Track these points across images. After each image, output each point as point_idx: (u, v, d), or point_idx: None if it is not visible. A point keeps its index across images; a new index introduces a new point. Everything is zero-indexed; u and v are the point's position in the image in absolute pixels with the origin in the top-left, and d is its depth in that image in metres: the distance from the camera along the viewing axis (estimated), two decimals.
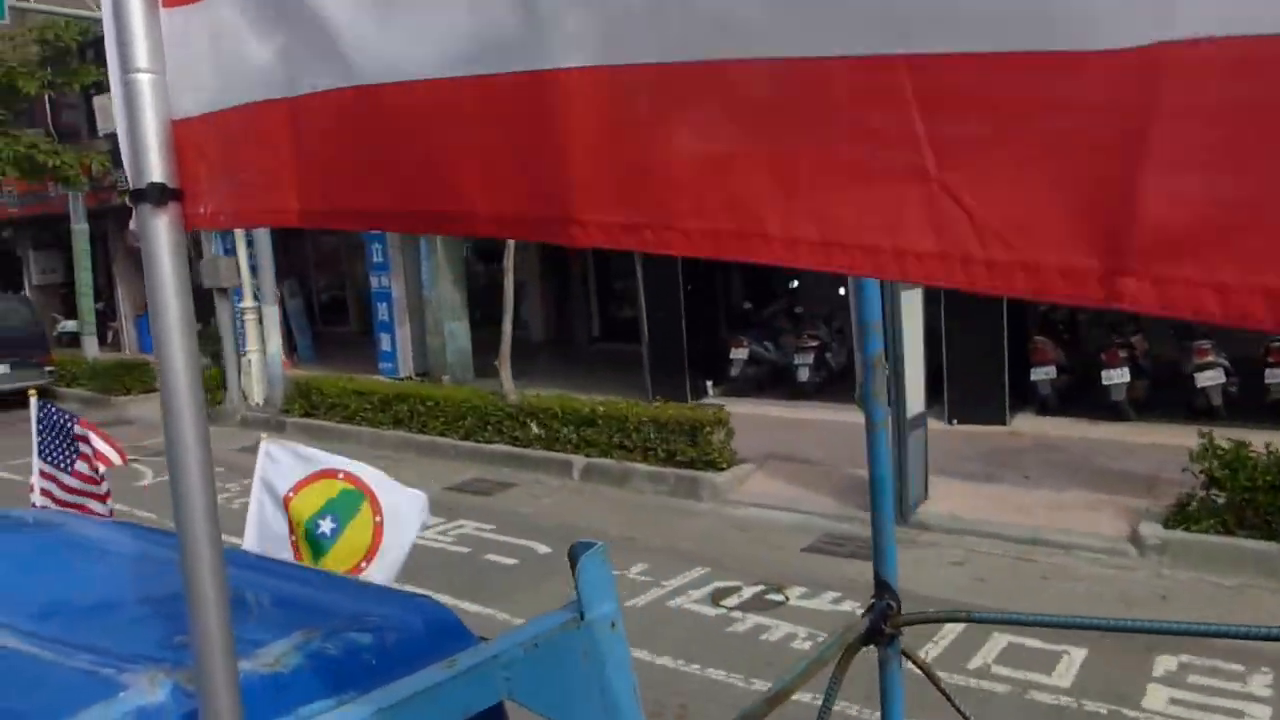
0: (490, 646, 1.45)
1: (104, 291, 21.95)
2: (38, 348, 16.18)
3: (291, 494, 3.54)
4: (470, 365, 14.29)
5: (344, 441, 11.33)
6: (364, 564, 3.42)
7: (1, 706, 1.26)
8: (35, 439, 4.68)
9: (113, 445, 4.76)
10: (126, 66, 1.14)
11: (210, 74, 1.18)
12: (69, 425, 4.72)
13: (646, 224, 0.96)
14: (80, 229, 17.17)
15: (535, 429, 9.95)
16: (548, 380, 12.46)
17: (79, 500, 4.67)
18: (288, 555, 3.50)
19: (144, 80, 1.14)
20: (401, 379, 14.32)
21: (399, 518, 3.47)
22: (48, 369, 16.13)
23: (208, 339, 17.80)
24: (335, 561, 3.42)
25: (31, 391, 5.27)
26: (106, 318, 21.51)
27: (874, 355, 2.04)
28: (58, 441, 4.72)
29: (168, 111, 1.16)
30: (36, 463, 4.68)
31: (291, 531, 3.54)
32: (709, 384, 12.16)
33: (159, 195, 1.13)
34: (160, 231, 1.12)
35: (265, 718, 1.27)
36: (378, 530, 3.43)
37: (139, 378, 15.63)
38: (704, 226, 0.92)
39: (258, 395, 13.45)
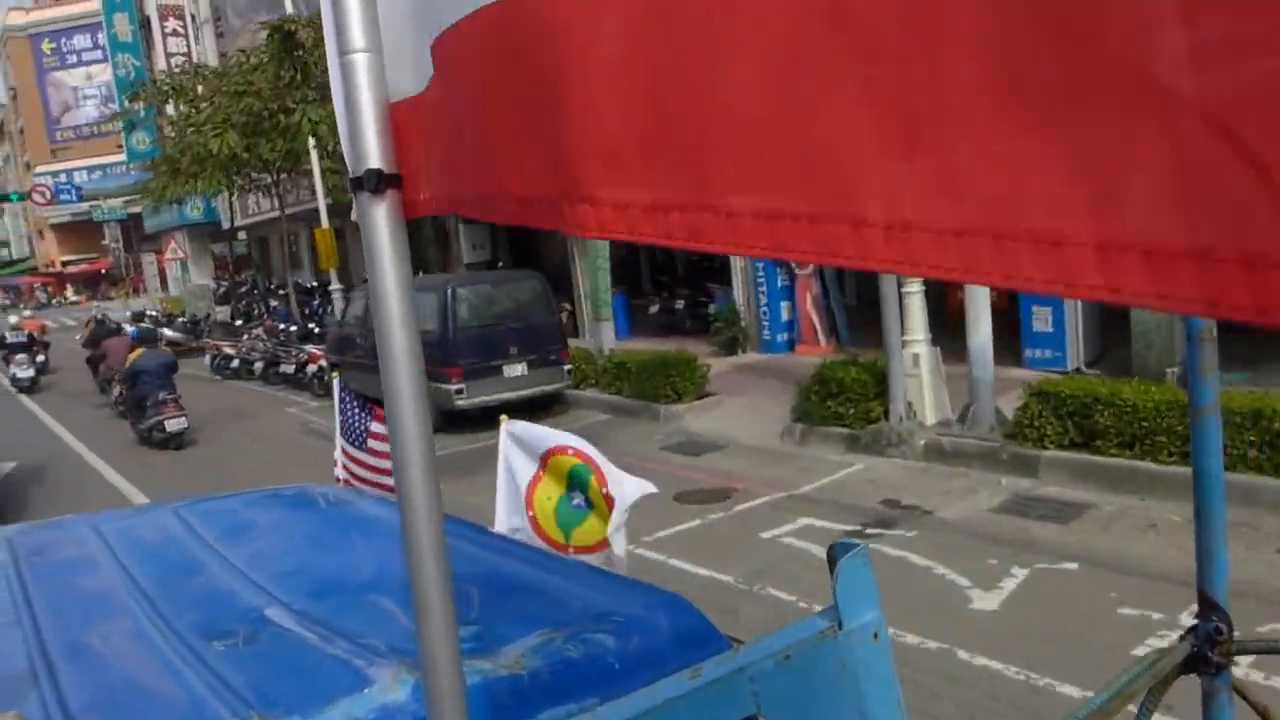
0: (738, 656, 1.30)
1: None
2: (554, 340, 11.98)
3: (541, 471, 3.59)
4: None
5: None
6: (608, 534, 3.42)
7: (261, 689, 1.29)
8: (338, 418, 4.81)
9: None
10: (343, 46, 1.09)
11: (425, 48, 1.11)
12: (360, 406, 4.80)
13: (677, 202, 0.74)
14: None
15: None
16: None
17: (378, 479, 4.63)
18: (530, 533, 3.56)
19: (360, 60, 1.09)
20: (1069, 372, 9.42)
21: (622, 493, 3.42)
22: (567, 368, 12.11)
23: (725, 320, 13.59)
24: (585, 534, 3.51)
25: (334, 375, 5.58)
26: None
27: (1203, 326, 1.75)
28: (355, 420, 4.79)
29: (385, 92, 1.11)
30: (339, 440, 4.80)
31: (529, 507, 3.60)
32: None
33: (376, 182, 1.07)
34: (379, 221, 1.07)
35: None
36: (609, 503, 3.41)
37: (688, 377, 11.14)
38: (759, 205, 0.68)
39: (932, 409, 8.79)
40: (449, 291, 11.70)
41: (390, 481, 4.47)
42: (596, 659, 1.39)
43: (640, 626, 1.48)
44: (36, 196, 35.97)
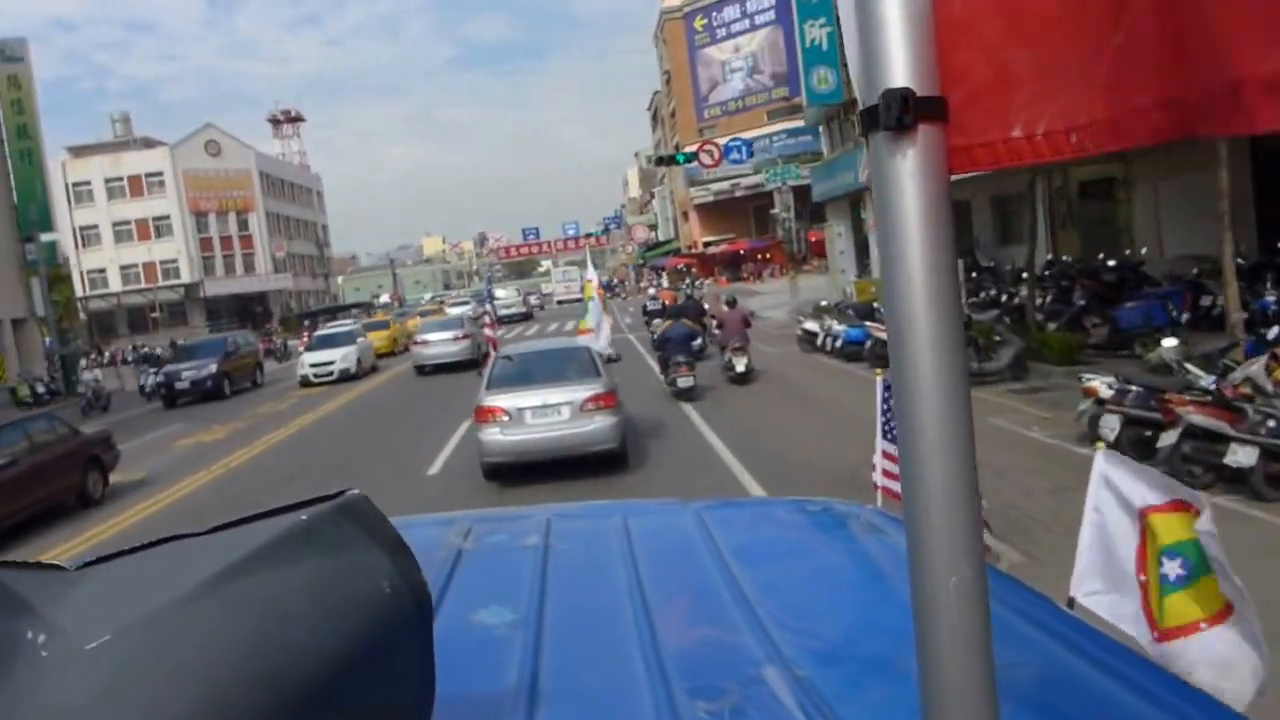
0: None
1: None
2: None
3: (1143, 526, 3.01)
4: None
5: None
6: (1204, 625, 2.85)
7: None
8: (880, 419, 4.67)
9: None
10: None
11: None
12: None
13: None
14: None
15: None
16: None
17: None
18: (1133, 600, 3.02)
19: None
20: None
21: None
22: None
23: None
24: (1173, 614, 2.93)
25: (877, 372, 5.35)
26: None
27: None
28: None
29: None
30: (880, 443, 4.69)
31: (1141, 570, 3.02)
32: None
33: (902, 110, 0.70)
34: (903, 169, 0.71)
35: None
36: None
37: None
38: None
39: None
40: None
41: None
42: None
43: None
44: (704, 157, 32.97)
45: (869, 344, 17.66)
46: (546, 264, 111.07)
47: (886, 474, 4.67)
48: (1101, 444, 3.36)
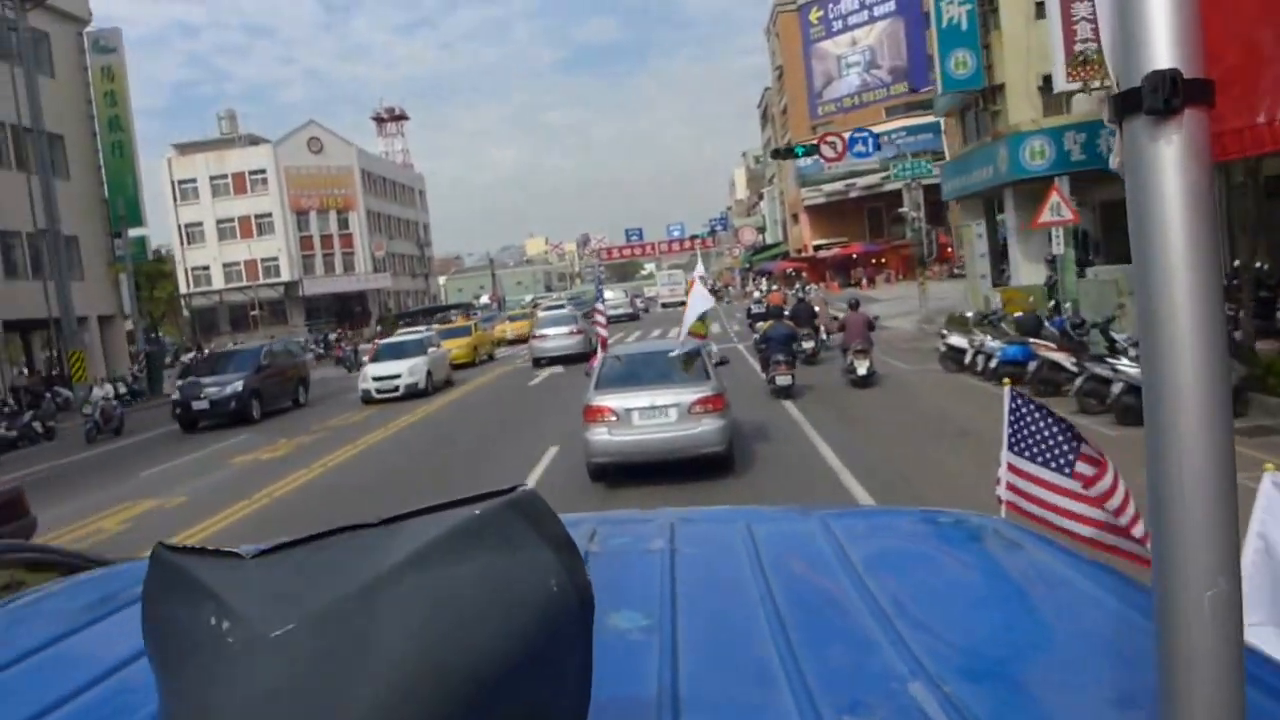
0: None
1: None
2: None
3: None
4: None
5: None
6: None
7: None
8: (1006, 430, 4.43)
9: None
10: None
11: None
12: (1055, 421, 4.30)
13: None
14: None
15: None
16: None
17: (1082, 512, 3.96)
18: None
19: None
20: None
21: None
22: None
23: None
24: None
25: (1005, 381, 5.12)
26: None
27: None
28: (1048, 435, 4.25)
29: None
30: (1006, 454, 4.40)
31: None
32: None
33: (1169, 94, 0.67)
34: (1165, 156, 0.68)
35: None
36: None
37: None
38: None
39: None
40: None
41: (1080, 530, 3.95)
42: None
43: None
44: (826, 149, 29.70)
45: (1033, 366, 14.31)
46: (649, 266, 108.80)
47: (1011, 488, 4.35)
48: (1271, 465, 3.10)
